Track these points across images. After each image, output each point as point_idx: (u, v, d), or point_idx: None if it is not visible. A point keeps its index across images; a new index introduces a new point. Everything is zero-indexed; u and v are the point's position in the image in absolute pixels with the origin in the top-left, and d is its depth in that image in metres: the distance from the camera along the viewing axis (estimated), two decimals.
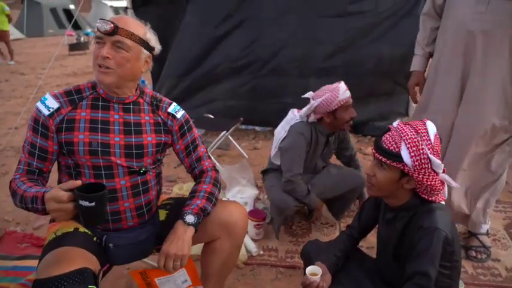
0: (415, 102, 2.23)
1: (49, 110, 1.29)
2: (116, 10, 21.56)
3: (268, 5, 3.80)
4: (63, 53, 10.79)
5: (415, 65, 2.17)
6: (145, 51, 1.34)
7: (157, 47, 1.40)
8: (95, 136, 1.31)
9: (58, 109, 1.31)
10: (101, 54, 1.25)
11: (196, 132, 1.56)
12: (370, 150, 3.71)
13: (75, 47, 11.48)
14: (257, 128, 4.33)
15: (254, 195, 2.72)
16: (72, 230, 1.30)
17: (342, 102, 2.09)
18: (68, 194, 1.08)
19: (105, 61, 1.25)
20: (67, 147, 1.30)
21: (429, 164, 1.20)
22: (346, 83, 3.78)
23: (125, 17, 1.32)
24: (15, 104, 5.86)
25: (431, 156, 1.20)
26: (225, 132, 3.42)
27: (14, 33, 16.41)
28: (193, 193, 1.43)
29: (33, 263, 1.88)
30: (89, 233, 1.34)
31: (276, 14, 3.81)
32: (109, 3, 21.28)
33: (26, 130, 1.33)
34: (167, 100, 1.50)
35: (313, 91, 2.18)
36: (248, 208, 2.53)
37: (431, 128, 1.25)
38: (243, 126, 4.21)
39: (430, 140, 1.22)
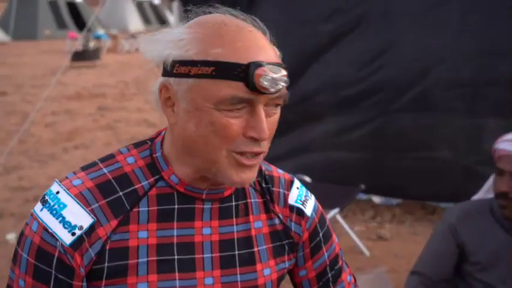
0: None
1: (72, 233, 0.59)
2: (140, 4, 17.64)
3: None
4: (63, 63, 8.52)
5: None
6: None
7: None
8: (169, 282, 0.65)
9: (91, 228, 0.61)
10: (265, 131, 0.58)
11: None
12: None
13: (80, 56, 8.85)
14: (375, 199, 3.11)
15: None
16: None
17: (496, 154, 1.41)
18: None
19: (261, 145, 0.61)
20: None
21: None
22: None
23: (266, 45, 0.58)
24: None
25: None
26: (337, 210, 2.35)
27: None
28: None
29: None
30: None
31: (424, 7, 2.70)
32: None
33: (12, 266, 0.61)
34: (281, 175, 0.76)
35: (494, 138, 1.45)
36: None
37: None
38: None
39: None
